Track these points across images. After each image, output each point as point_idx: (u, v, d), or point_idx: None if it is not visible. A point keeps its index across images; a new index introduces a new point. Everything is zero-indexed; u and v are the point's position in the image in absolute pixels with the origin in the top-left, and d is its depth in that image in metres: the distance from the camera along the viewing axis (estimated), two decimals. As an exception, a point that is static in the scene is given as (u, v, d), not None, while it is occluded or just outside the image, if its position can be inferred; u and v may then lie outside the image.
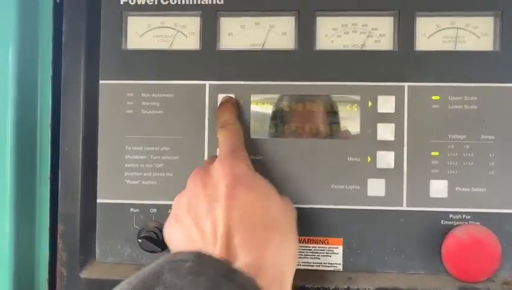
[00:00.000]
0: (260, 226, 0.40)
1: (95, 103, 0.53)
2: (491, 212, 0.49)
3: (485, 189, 0.49)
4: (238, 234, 0.39)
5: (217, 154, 0.50)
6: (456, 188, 0.50)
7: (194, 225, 0.41)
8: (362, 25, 0.52)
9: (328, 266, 0.51)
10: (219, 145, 0.47)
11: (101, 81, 0.53)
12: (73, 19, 0.53)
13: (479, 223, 0.49)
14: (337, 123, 0.51)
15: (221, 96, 0.52)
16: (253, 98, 0.52)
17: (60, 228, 0.53)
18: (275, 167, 0.51)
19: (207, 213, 0.40)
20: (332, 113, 0.51)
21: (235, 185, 0.41)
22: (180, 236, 0.42)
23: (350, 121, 0.51)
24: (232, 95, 0.52)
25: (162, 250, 0.50)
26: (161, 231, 0.51)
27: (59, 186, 0.53)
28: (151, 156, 0.52)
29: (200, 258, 0.35)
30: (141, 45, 0.53)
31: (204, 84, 0.52)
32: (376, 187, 0.50)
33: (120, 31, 0.53)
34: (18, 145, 0.52)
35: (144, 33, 0.54)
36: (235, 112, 0.50)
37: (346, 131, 0.51)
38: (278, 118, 0.52)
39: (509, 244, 0.48)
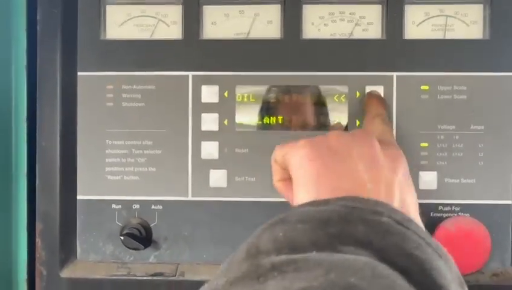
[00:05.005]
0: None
1: (73, 95, 0.51)
2: (480, 204, 0.49)
3: (474, 180, 0.49)
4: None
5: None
6: (446, 180, 0.49)
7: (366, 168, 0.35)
8: (350, 13, 0.50)
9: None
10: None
11: (79, 73, 0.51)
12: (49, 6, 0.51)
13: (468, 214, 0.48)
14: (326, 114, 0.50)
15: (205, 88, 0.50)
16: (238, 89, 0.50)
17: (39, 226, 0.51)
18: (262, 160, 0.50)
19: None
20: (320, 105, 0.50)
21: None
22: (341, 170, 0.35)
23: (338, 112, 0.50)
24: (217, 86, 0.50)
25: (145, 247, 0.49)
26: (144, 227, 0.50)
27: (36, 182, 0.51)
28: (133, 150, 0.51)
29: (396, 215, 0.30)
30: (121, 34, 0.51)
31: (187, 75, 0.50)
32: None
33: (98, 20, 0.51)
34: (-8, 140, 0.50)
35: (123, 22, 0.51)
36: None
37: (339, 123, 0.49)
38: (265, 109, 0.50)
39: (499, 236, 0.48)
